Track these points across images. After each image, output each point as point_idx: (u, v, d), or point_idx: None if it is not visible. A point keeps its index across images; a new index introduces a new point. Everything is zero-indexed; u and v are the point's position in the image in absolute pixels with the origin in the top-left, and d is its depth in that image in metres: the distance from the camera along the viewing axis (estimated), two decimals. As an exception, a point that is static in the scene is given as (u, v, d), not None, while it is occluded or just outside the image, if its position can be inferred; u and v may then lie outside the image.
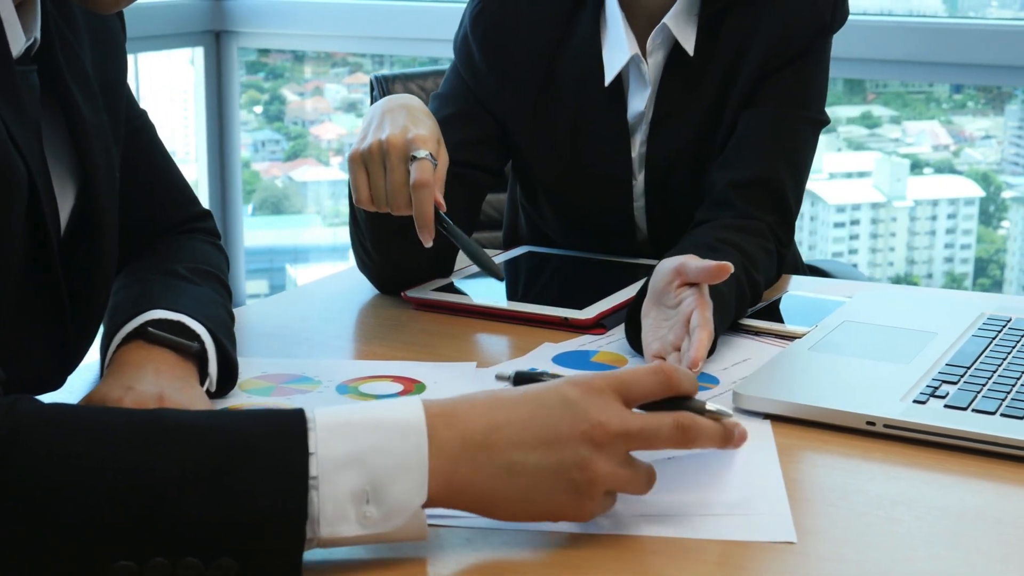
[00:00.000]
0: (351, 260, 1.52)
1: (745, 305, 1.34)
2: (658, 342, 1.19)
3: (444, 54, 3.06)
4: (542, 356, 1.26)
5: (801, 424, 1.09)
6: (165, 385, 1.03)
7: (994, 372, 1.15)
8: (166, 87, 3.74)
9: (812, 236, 3.48)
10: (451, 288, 1.47)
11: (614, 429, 0.82)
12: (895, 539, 0.88)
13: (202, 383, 1.10)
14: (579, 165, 1.57)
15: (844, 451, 1.04)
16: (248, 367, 1.21)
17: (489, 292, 1.42)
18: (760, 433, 1.06)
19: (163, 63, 3.64)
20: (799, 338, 1.28)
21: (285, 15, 3.44)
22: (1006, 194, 3.37)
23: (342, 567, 0.82)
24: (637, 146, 1.57)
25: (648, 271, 1.26)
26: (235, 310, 1.38)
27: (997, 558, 0.86)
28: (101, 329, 1.14)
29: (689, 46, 1.51)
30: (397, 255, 1.44)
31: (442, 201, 1.25)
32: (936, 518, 0.92)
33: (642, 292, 1.25)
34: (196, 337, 1.09)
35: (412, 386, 1.18)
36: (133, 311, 1.10)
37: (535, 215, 1.70)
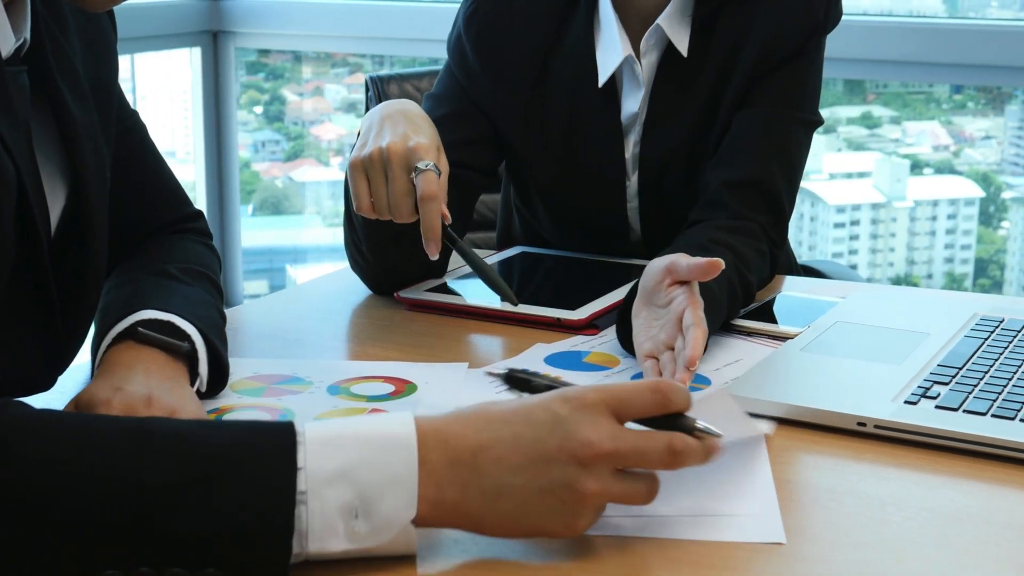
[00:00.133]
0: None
1: (737, 305, 1.34)
2: (650, 342, 1.19)
3: (444, 54, 3.06)
4: (534, 357, 1.26)
5: (792, 425, 1.09)
6: (154, 386, 1.03)
7: (986, 373, 1.15)
8: (166, 87, 3.74)
9: (812, 236, 3.47)
10: (444, 289, 1.47)
11: (603, 449, 0.81)
12: (884, 540, 0.88)
13: (192, 383, 1.09)
14: (573, 166, 1.57)
15: (835, 452, 1.04)
16: (240, 367, 1.21)
17: (482, 293, 1.42)
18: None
19: (162, 63, 3.65)
20: (791, 339, 1.28)
21: (283, 15, 3.44)
22: (1006, 194, 3.37)
23: (330, 563, 0.82)
24: (631, 147, 1.57)
25: (641, 272, 1.25)
26: (230, 310, 1.38)
27: (987, 559, 0.86)
28: (92, 329, 1.14)
29: (683, 47, 1.51)
30: (393, 259, 1.44)
31: (448, 213, 1.26)
32: (926, 519, 0.92)
33: (632, 292, 1.25)
34: (186, 337, 1.09)
35: (403, 387, 1.18)
36: (124, 311, 1.10)
37: (529, 216, 1.70)
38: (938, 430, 1.03)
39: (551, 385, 0.88)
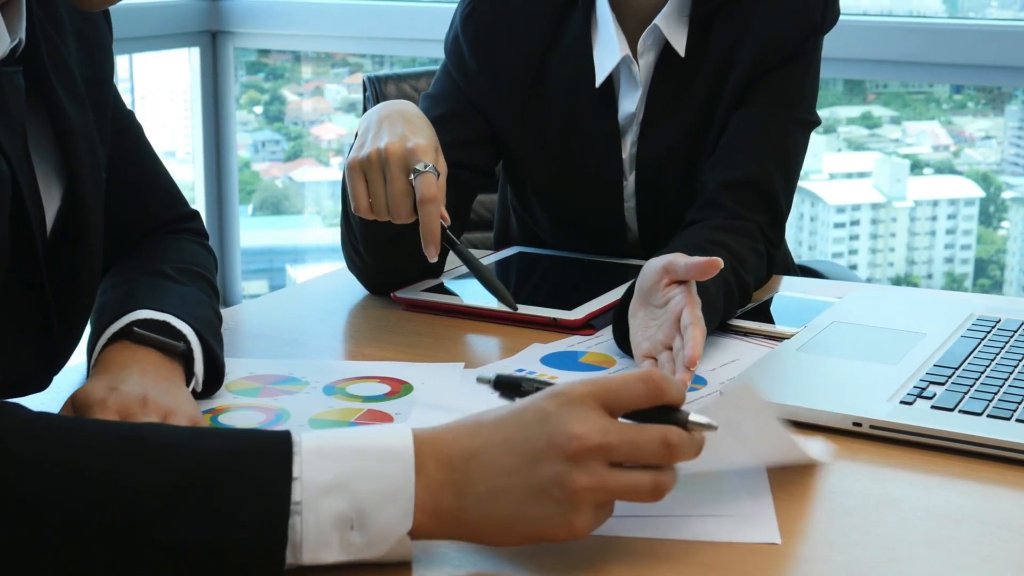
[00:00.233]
0: (346, 259, 1.52)
1: (733, 305, 1.34)
2: (648, 342, 1.19)
3: (444, 55, 3.06)
4: (530, 357, 1.26)
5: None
6: (150, 386, 1.03)
7: (982, 373, 1.15)
8: (165, 87, 3.74)
9: (812, 236, 3.47)
10: (441, 289, 1.47)
11: (592, 442, 0.78)
12: (879, 540, 0.88)
13: (188, 383, 1.09)
14: (570, 166, 1.57)
15: (830, 452, 1.04)
16: (236, 367, 1.21)
17: (479, 293, 1.42)
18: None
19: (161, 63, 3.65)
20: (788, 339, 1.28)
21: (281, 16, 3.44)
22: (1006, 195, 3.37)
23: (327, 567, 0.82)
24: (628, 147, 1.56)
25: (639, 271, 1.25)
26: (227, 310, 1.38)
27: (980, 559, 0.86)
28: (88, 329, 1.14)
29: (680, 47, 1.51)
30: (390, 259, 1.44)
31: (447, 215, 1.26)
32: (920, 519, 0.92)
33: (629, 292, 1.25)
34: (182, 337, 1.09)
35: (400, 387, 1.18)
36: (119, 311, 1.10)
37: (526, 216, 1.70)
38: (934, 430, 1.03)
39: (540, 386, 0.87)
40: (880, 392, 1.11)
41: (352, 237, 1.45)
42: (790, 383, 1.16)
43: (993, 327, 1.28)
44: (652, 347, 1.18)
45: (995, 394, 1.09)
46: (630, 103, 1.55)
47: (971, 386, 1.11)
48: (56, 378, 1.13)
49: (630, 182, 1.58)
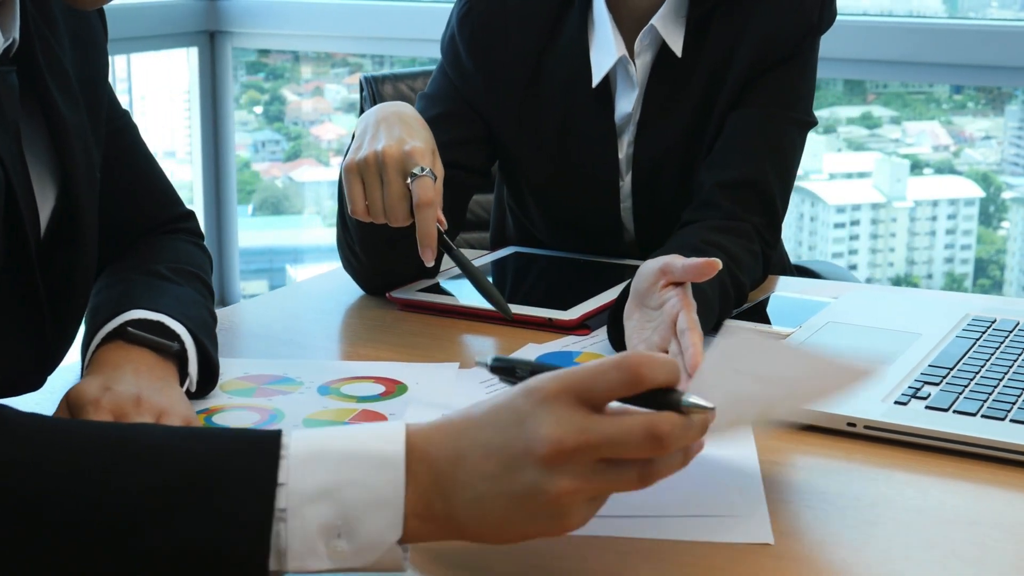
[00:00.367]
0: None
1: (729, 306, 1.33)
2: (643, 344, 1.19)
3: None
4: (525, 357, 1.26)
5: (782, 425, 1.08)
6: (144, 386, 1.02)
7: (976, 373, 1.15)
8: (163, 87, 3.75)
9: (812, 236, 3.47)
10: (436, 289, 1.47)
11: (569, 445, 0.74)
12: (872, 540, 0.88)
13: (182, 383, 1.09)
14: (566, 166, 1.57)
15: (825, 452, 1.04)
16: (231, 367, 1.21)
17: (474, 293, 1.41)
18: (740, 434, 1.06)
19: (159, 63, 3.65)
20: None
21: (280, 15, 3.44)
22: (1006, 195, 3.37)
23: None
24: (624, 147, 1.56)
25: (634, 272, 1.25)
26: (223, 309, 1.38)
27: (972, 559, 0.86)
28: (82, 329, 1.14)
29: (677, 47, 1.51)
30: (386, 261, 1.44)
31: (444, 219, 1.26)
32: (913, 519, 0.92)
33: (624, 294, 1.25)
34: (176, 337, 1.09)
35: (394, 387, 1.18)
36: (113, 311, 1.10)
37: (522, 216, 1.70)
38: (928, 430, 1.03)
39: (536, 369, 0.83)
40: (875, 392, 1.10)
41: (348, 238, 1.45)
42: (785, 383, 1.16)
43: (988, 327, 1.28)
44: (648, 349, 1.17)
45: (989, 394, 1.09)
46: (627, 103, 1.54)
47: (966, 386, 1.11)
48: (50, 378, 1.13)
49: (626, 182, 1.58)
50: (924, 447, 1.03)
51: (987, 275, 3.37)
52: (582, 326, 1.35)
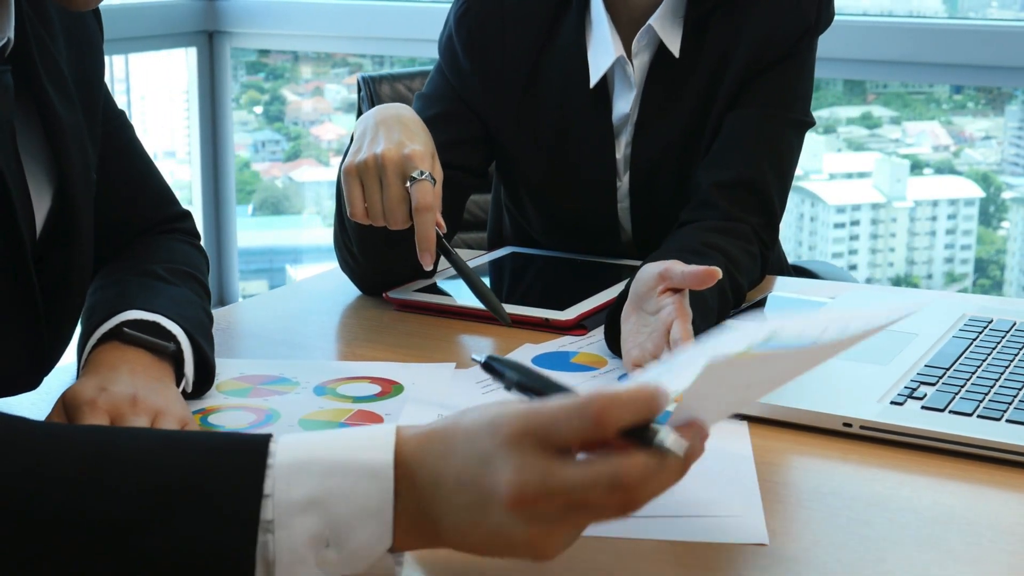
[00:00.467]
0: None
1: (727, 308, 1.33)
2: (637, 349, 1.18)
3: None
4: (522, 357, 1.26)
5: (778, 425, 1.08)
6: (140, 386, 1.02)
7: (973, 373, 1.14)
8: (162, 87, 3.75)
9: (812, 236, 3.47)
10: (433, 289, 1.47)
11: (531, 493, 0.70)
12: (866, 541, 0.88)
13: (178, 384, 1.09)
14: (563, 167, 1.57)
15: (821, 452, 1.04)
16: (226, 368, 1.21)
17: (471, 294, 1.42)
18: (736, 434, 1.06)
19: (158, 63, 3.65)
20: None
21: (279, 15, 3.44)
22: (1006, 195, 3.37)
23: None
24: (622, 148, 1.56)
25: (632, 272, 1.25)
26: (220, 309, 1.38)
27: (968, 560, 0.86)
28: (78, 330, 1.14)
29: (675, 48, 1.50)
30: (385, 262, 1.44)
31: (443, 223, 1.26)
32: (909, 519, 0.91)
33: (622, 295, 1.25)
34: (172, 338, 1.09)
35: (390, 388, 1.18)
36: (109, 311, 1.09)
37: (519, 216, 1.70)
38: (924, 431, 1.03)
39: (521, 385, 0.81)
40: (870, 392, 1.10)
41: (346, 238, 1.45)
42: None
43: (985, 328, 1.28)
44: (641, 355, 1.17)
45: (986, 395, 1.09)
46: (624, 104, 1.54)
47: (962, 386, 1.11)
48: (46, 378, 1.13)
49: (624, 183, 1.58)
50: (920, 447, 1.03)
51: (987, 275, 3.37)
52: (579, 326, 1.34)
